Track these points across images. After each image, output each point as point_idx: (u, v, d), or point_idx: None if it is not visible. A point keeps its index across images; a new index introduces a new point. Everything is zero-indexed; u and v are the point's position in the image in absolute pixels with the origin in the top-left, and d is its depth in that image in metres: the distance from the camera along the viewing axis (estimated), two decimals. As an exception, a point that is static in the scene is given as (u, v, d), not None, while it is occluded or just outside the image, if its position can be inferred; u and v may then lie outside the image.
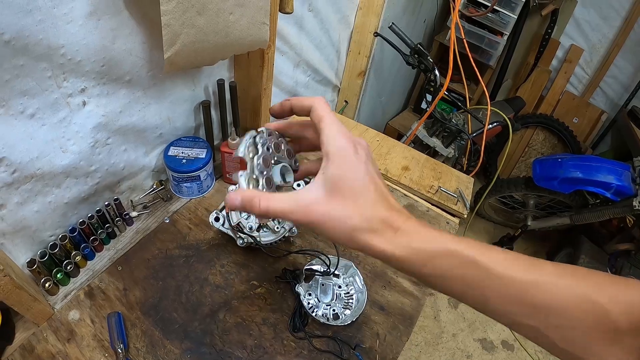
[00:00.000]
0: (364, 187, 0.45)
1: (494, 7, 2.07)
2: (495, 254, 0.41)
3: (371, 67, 1.73)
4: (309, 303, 0.98)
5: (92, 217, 1.03)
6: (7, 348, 0.89)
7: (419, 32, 2.20)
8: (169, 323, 0.94)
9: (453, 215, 1.24)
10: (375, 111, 2.28)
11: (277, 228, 1.02)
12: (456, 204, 1.24)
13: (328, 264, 1.02)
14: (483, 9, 2.10)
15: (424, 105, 1.91)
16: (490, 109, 1.72)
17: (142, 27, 0.90)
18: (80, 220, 1.02)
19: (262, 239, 1.02)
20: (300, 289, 0.98)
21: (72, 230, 1.00)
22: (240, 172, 0.50)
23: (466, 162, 1.90)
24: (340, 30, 1.57)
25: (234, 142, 1.15)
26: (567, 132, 2.64)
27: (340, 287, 1.03)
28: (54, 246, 0.97)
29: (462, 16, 2.13)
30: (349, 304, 1.00)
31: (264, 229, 1.03)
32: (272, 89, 1.24)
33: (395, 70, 1.67)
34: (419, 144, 1.91)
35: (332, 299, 1.00)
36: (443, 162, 1.85)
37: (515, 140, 2.58)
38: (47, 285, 0.94)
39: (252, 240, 1.01)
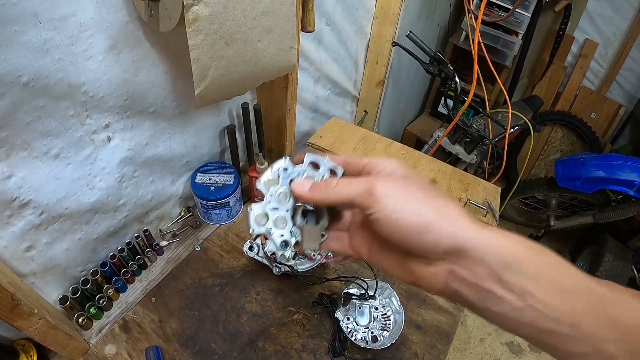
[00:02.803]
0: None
1: (506, 6, 1.99)
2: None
3: (390, 75, 1.67)
4: (347, 327, 0.92)
5: (122, 250, 0.99)
6: None
7: (434, 36, 2.12)
8: (208, 354, 0.90)
9: None
10: (394, 118, 2.22)
11: (314, 255, 0.98)
12: (485, 216, 1.18)
13: (365, 288, 0.97)
14: (502, 13, 2.02)
15: (441, 109, 1.85)
16: (508, 112, 1.67)
17: (164, 57, 0.85)
18: (111, 254, 0.98)
19: (299, 267, 0.97)
20: (339, 314, 0.93)
21: (103, 264, 0.96)
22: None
23: (488, 167, 1.84)
24: (357, 41, 1.52)
25: (262, 166, 1.11)
26: (585, 128, 2.54)
27: (377, 308, 0.97)
28: (85, 281, 0.93)
29: (476, 18, 2.07)
30: (387, 325, 0.95)
31: (300, 257, 0.99)
32: (296, 109, 1.19)
33: (412, 76, 1.63)
34: (440, 152, 1.85)
35: (369, 321, 0.95)
36: (465, 168, 1.80)
37: (534, 138, 2.50)
38: (80, 320, 0.90)
39: (289, 269, 0.97)
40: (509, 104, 1.67)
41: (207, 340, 0.92)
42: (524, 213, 2.52)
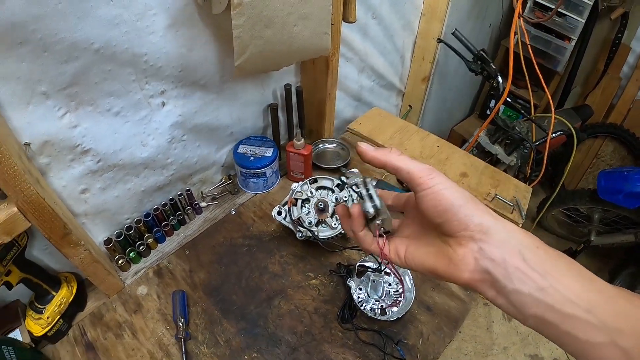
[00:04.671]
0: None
1: (559, 10, 1.89)
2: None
3: (435, 72, 1.67)
4: (358, 297, 0.97)
5: (165, 204, 1.09)
6: (79, 314, 0.96)
7: (485, 37, 2.08)
8: (228, 304, 0.98)
9: None
10: (440, 116, 2.20)
11: (335, 225, 1.02)
12: (512, 213, 1.17)
13: (380, 261, 1.00)
14: (557, 18, 1.95)
15: (489, 112, 1.82)
16: (555, 118, 1.61)
17: (216, 37, 0.93)
18: (155, 207, 1.08)
19: (320, 234, 1.02)
20: (352, 283, 0.97)
21: (147, 215, 1.06)
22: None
23: (529, 171, 1.79)
24: (404, 36, 1.54)
25: (299, 142, 1.16)
26: (637, 144, 2.36)
27: (390, 284, 1.01)
28: (129, 228, 1.03)
29: (527, 20, 1.99)
30: (397, 301, 0.98)
31: (322, 225, 1.03)
32: (336, 94, 1.24)
33: (461, 76, 1.61)
34: (481, 151, 1.82)
35: (381, 295, 0.98)
36: (504, 170, 1.75)
37: (583, 150, 2.36)
38: (120, 262, 1.01)
39: (310, 234, 1.01)
40: (552, 108, 1.62)
41: (229, 292, 1.00)
42: (564, 225, 2.40)
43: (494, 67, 1.47)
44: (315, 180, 1.05)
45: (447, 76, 1.87)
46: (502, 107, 2.15)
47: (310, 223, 1.01)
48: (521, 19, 1.60)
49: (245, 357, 0.89)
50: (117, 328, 0.93)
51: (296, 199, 1.03)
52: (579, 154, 2.00)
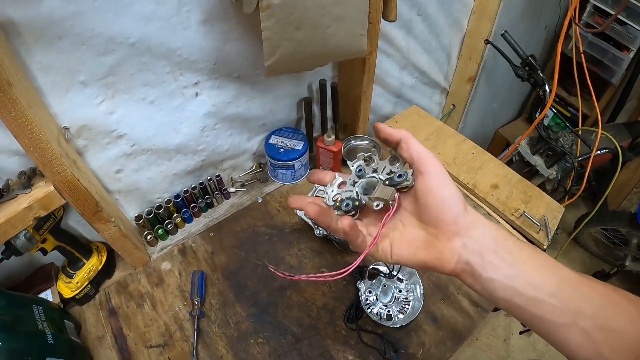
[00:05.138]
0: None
1: (619, 17, 1.70)
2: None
3: (482, 73, 1.60)
4: (367, 299, 0.98)
5: (195, 187, 1.15)
6: (106, 281, 1.05)
7: (539, 39, 1.93)
8: (243, 289, 1.03)
9: (532, 243, 1.12)
10: (485, 118, 2.11)
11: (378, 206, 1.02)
12: (538, 233, 1.13)
13: (391, 267, 1.01)
14: (617, 26, 1.75)
15: (536, 117, 1.71)
16: (602, 134, 1.50)
17: (250, 32, 0.95)
18: (185, 189, 1.14)
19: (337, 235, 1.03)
20: (362, 285, 0.99)
21: (177, 196, 1.13)
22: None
23: (569, 186, 1.68)
24: (451, 34, 1.48)
25: (330, 139, 1.17)
26: None
27: (400, 291, 1.01)
28: (159, 207, 1.10)
29: (586, 25, 1.81)
30: (405, 309, 0.98)
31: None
32: (372, 92, 1.22)
33: (510, 78, 1.50)
34: (520, 160, 1.73)
35: (389, 301, 0.99)
36: (543, 182, 1.67)
37: (632, 168, 2.15)
38: (148, 237, 1.08)
39: (327, 233, 1.03)
40: (600, 124, 1.50)
41: (245, 278, 1.05)
42: (601, 245, 2.23)
43: (541, 75, 1.39)
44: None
45: (494, 78, 1.78)
46: (550, 114, 2.00)
47: (328, 222, 1.03)
48: (575, 23, 1.48)
49: (252, 341, 0.93)
50: (139, 298, 1.01)
51: (317, 197, 1.04)
52: (626, 172, 1.83)
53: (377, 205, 0.50)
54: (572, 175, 1.64)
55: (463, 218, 0.46)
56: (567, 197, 1.67)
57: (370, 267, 1.02)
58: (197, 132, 1.05)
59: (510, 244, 0.45)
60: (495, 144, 2.41)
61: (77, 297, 0.96)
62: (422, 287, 1.00)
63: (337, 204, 0.53)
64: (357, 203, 0.52)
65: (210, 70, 0.96)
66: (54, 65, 0.75)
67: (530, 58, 1.38)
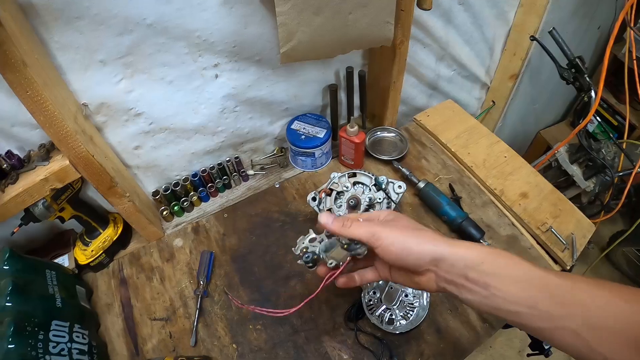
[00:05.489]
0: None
1: None
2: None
3: (525, 70, 1.49)
4: (370, 300, 0.96)
5: (213, 167, 1.16)
6: (121, 251, 1.09)
7: (591, 40, 1.74)
8: (249, 274, 1.03)
9: (555, 262, 1.05)
10: (526, 117, 1.96)
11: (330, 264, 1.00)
12: (563, 251, 1.05)
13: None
14: None
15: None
16: None
17: (272, 16, 0.92)
18: (203, 168, 1.15)
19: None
20: (367, 284, 0.96)
21: (194, 175, 1.14)
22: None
23: (607, 200, 1.53)
24: (496, 27, 1.38)
25: (352, 129, 1.13)
26: None
27: (407, 295, 0.97)
28: (176, 184, 1.12)
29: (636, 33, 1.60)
30: (409, 314, 0.95)
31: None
32: (403, 83, 1.18)
33: (555, 79, 1.37)
34: (557, 168, 1.60)
35: (394, 304, 0.96)
36: (578, 194, 1.54)
37: None
38: (164, 213, 1.11)
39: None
40: None
41: (252, 263, 1.05)
42: (633, 266, 2.03)
43: (588, 79, 1.26)
44: (354, 175, 1.03)
45: (539, 76, 1.65)
46: (596, 123, 1.83)
47: (339, 216, 1.00)
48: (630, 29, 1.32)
49: (250, 326, 0.95)
50: (149, 271, 1.05)
51: (331, 190, 1.02)
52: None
53: (331, 263, 0.64)
54: (610, 190, 1.49)
55: (427, 258, 0.54)
56: (603, 212, 1.54)
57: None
58: (216, 113, 1.05)
59: (485, 267, 0.50)
60: (536, 146, 2.26)
61: (92, 264, 1.01)
62: (428, 295, 0.96)
63: (301, 254, 0.69)
64: (315, 257, 0.67)
65: (231, 53, 0.95)
66: (73, 44, 0.77)
67: (577, 60, 1.26)
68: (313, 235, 0.70)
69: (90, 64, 0.81)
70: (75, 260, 1.01)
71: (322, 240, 0.69)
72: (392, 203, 0.99)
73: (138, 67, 0.86)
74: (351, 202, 0.98)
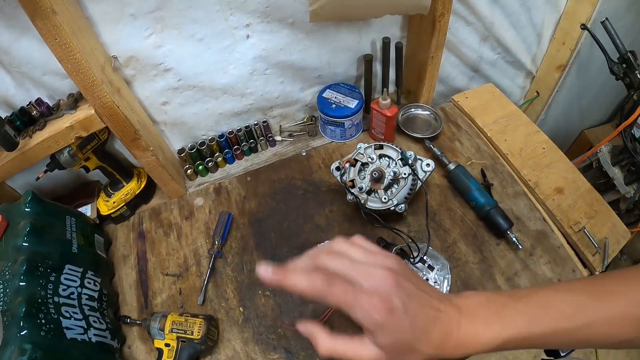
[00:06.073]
0: (415, 333, 0.44)
1: None
2: (545, 315, 0.45)
3: (574, 62, 1.38)
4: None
5: (240, 130, 1.15)
6: (142, 206, 1.11)
7: None
8: (264, 239, 1.03)
9: (584, 266, 0.98)
10: (571, 113, 1.82)
11: (385, 199, 0.96)
12: (593, 255, 0.98)
13: (415, 254, 0.93)
14: None
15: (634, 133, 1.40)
16: None
17: (306, -25, 0.89)
18: (230, 130, 1.15)
19: (368, 203, 0.97)
20: None
21: (221, 136, 1.14)
22: None
23: None
24: (546, 12, 1.27)
25: (385, 102, 1.08)
26: None
27: (428, 280, 0.94)
28: (202, 144, 1.13)
29: None
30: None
31: (375, 195, 0.98)
32: (441, 59, 1.12)
33: (604, 75, 1.24)
34: (597, 169, 1.48)
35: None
36: (617, 199, 1.43)
37: None
38: (188, 171, 1.12)
39: (358, 200, 0.97)
40: None
41: (269, 229, 1.05)
42: None
43: (639, 76, 1.14)
44: (381, 147, 0.98)
45: (588, 70, 1.51)
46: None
47: (361, 189, 0.96)
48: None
49: (259, 291, 0.95)
50: (167, 227, 1.07)
51: (356, 160, 0.98)
52: None
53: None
54: None
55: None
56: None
57: (397, 248, 0.95)
58: (245, 74, 1.03)
59: (464, 331, 0.45)
60: (578, 145, 2.10)
61: (113, 215, 1.03)
62: (450, 282, 0.93)
63: None
64: None
65: (263, 13, 0.92)
66: None
67: (629, 54, 1.14)
68: None
69: (121, 17, 0.81)
70: (98, 210, 1.04)
71: None
72: (418, 180, 0.94)
73: (168, 22, 0.85)
74: (375, 174, 0.94)
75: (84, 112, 0.85)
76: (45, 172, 0.91)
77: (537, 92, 1.54)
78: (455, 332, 0.45)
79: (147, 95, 0.97)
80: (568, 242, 1.00)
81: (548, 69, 1.45)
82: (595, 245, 0.97)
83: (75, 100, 0.86)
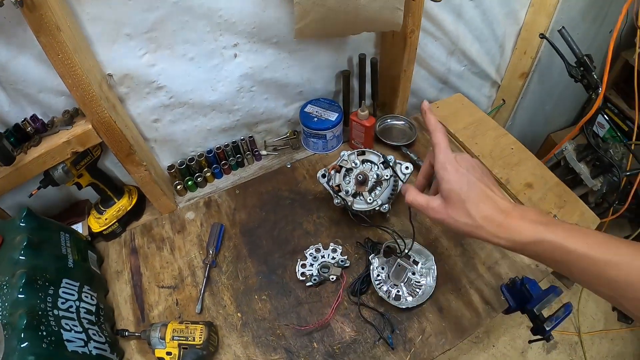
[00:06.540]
0: (467, 194, 0.58)
1: None
2: (581, 237, 0.50)
3: (535, 69, 1.51)
4: (378, 275, 0.99)
5: (227, 145, 1.20)
6: (133, 222, 1.13)
7: (602, 44, 1.71)
8: (256, 247, 1.07)
9: None
10: (536, 118, 1.98)
11: (370, 200, 1.01)
12: (567, 240, 1.05)
13: (402, 247, 0.98)
14: None
15: (592, 127, 1.53)
16: None
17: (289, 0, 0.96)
18: (218, 146, 1.20)
19: (355, 205, 1.03)
20: (375, 260, 0.99)
21: (209, 151, 1.19)
22: None
23: (614, 201, 1.52)
24: (506, 25, 1.40)
25: (363, 113, 1.17)
26: None
27: (414, 274, 1.00)
28: (191, 160, 1.17)
29: None
30: (415, 292, 0.97)
31: (360, 197, 1.03)
32: (413, 72, 1.22)
33: (565, 80, 1.38)
34: (564, 167, 1.60)
35: (401, 281, 0.98)
36: (586, 194, 1.54)
37: None
38: (178, 187, 1.16)
39: (345, 203, 1.03)
40: None
41: (260, 237, 1.09)
42: None
43: (595, 77, 1.28)
44: (363, 153, 1.05)
45: (549, 77, 1.66)
46: (606, 125, 1.83)
47: (347, 192, 1.02)
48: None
49: (255, 296, 0.98)
50: (160, 241, 1.09)
51: (341, 166, 1.04)
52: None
53: (332, 278, 0.97)
54: (618, 191, 1.48)
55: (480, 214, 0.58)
56: (611, 212, 1.53)
57: (385, 244, 1.01)
58: (233, 92, 1.09)
59: (511, 219, 0.55)
60: (545, 149, 2.25)
61: (104, 232, 1.05)
62: (436, 273, 0.98)
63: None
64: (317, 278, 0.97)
65: (249, 34, 0.99)
66: (102, 16, 0.81)
67: (585, 58, 1.28)
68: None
69: (118, 37, 0.85)
70: (89, 228, 1.05)
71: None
72: (399, 181, 1.00)
73: (162, 42, 0.91)
74: (359, 177, 1.00)
75: (81, 127, 0.88)
76: (39, 188, 0.92)
77: (503, 99, 1.66)
78: (502, 216, 0.56)
79: (139, 113, 1.00)
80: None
81: (512, 78, 1.57)
82: (568, 230, 1.05)
83: (71, 117, 0.89)
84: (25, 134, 0.87)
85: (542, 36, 1.32)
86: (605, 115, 1.48)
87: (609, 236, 0.49)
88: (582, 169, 1.53)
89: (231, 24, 0.94)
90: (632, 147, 1.54)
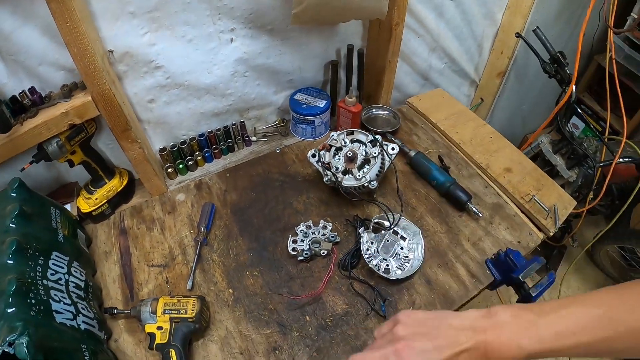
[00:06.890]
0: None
1: None
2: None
3: (512, 69, 1.60)
4: (368, 249, 1.01)
5: (219, 129, 1.23)
6: (123, 205, 1.13)
7: (574, 46, 1.82)
8: (248, 225, 1.09)
9: (539, 229, 1.12)
10: (514, 118, 2.09)
11: (359, 176, 1.05)
12: (546, 219, 1.13)
13: (391, 220, 1.02)
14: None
15: (568, 128, 1.62)
16: (628, 142, 1.46)
17: (286, -12, 1.01)
18: (210, 130, 1.22)
19: (344, 182, 1.06)
20: (365, 234, 1.02)
21: (201, 135, 1.21)
22: None
23: (592, 194, 1.59)
24: (484, 25, 1.49)
25: (351, 99, 1.23)
26: None
27: (402, 248, 1.03)
28: (183, 143, 1.19)
29: (625, 39, 1.74)
30: (404, 265, 1.00)
31: (349, 175, 1.07)
32: (397, 64, 1.28)
33: (543, 80, 1.46)
34: (541, 159, 1.69)
35: (390, 255, 1.01)
36: (562, 185, 1.60)
37: None
38: (169, 170, 1.17)
39: (334, 181, 1.06)
40: (625, 132, 1.46)
41: (251, 215, 1.11)
42: (617, 266, 2.09)
43: (568, 72, 1.37)
44: (352, 133, 1.10)
45: (525, 77, 1.77)
46: (581, 125, 1.94)
47: (337, 169, 1.07)
48: (611, 32, 1.44)
49: (247, 272, 1.00)
50: (150, 222, 1.10)
51: (330, 146, 1.08)
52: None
53: (323, 252, 0.99)
54: (594, 182, 1.56)
55: None
56: (586, 203, 1.60)
57: (374, 219, 1.05)
58: (227, 75, 1.12)
59: (491, 347, 0.50)
60: (523, 149, 2.35)
61: (94, 213, 1.05)
62: (423, 248, 1.01)
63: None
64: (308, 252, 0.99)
65: (247, 20, 1.03)
66: None
67: (558, 54, 1.38)
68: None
69: (121, 15, 0.88)
70: (78, 209, 1.04)
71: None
72: (387, 160, 1.04)
73: (163, 23, 0.94)
74: (349, 154, 1.05)
75: (80, 99, 0.89)
76: (32, 162, 0.92)
77: (481, 98, 1.74)
78: (482, 349, 0.51)
79: (136, 92, 1.02)
80: (522, 211, 1.14)
81: (490, 76, 1.66)
82: (546, 210, 1.11)
83: (70, 90, 0.90)
84: (21, 106, 0.86)
85: (518, 35, 1.41)
86: (578, 109, 1.55)
87: (595, 308, 0.50)
88: (558, 161, 1.60)
89: (230, 8, 0.98)
90: (605, 140, 1.63)
